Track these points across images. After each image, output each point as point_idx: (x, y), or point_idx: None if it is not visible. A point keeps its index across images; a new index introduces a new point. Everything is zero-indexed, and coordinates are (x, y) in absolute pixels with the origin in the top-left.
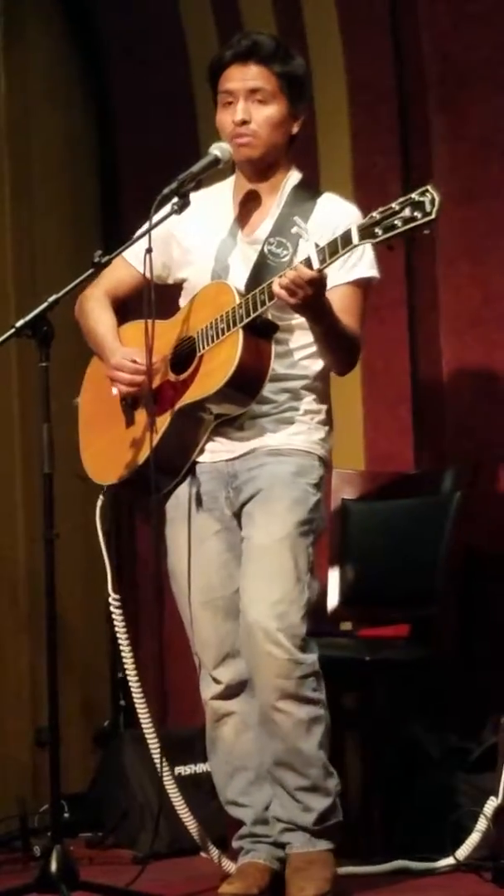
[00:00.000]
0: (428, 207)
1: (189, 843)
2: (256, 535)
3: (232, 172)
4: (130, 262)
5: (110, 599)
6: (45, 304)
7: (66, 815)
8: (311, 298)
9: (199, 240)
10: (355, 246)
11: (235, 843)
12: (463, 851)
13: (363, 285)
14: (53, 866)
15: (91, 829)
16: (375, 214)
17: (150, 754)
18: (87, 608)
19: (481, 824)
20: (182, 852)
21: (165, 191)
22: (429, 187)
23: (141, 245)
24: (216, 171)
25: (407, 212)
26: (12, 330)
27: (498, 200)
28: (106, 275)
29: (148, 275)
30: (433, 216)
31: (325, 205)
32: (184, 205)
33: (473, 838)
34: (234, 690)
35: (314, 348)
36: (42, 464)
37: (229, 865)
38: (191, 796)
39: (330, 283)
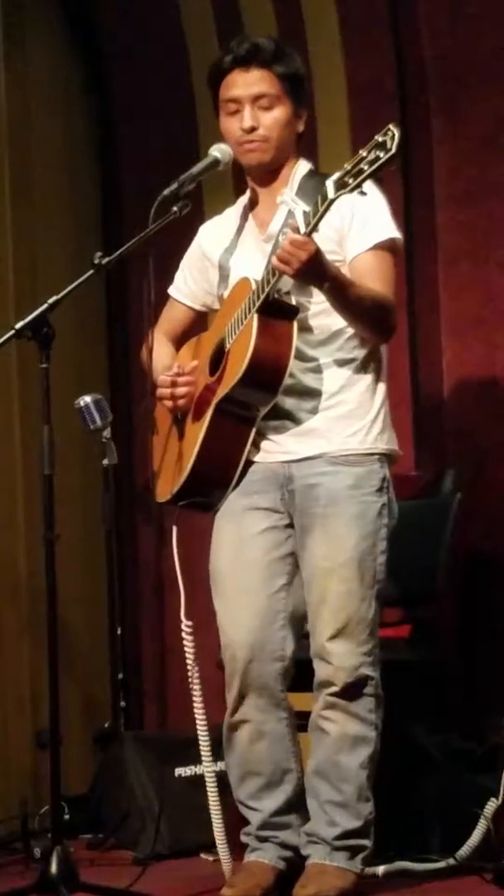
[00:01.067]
0: (389, 144)
1: (190, 844)
2: (319, 557)
3: (239, 186)
4: (177, 299)
5: (182, 626)
6: (45, 306)
7: (66, 816)
8: (307, 265)
9: (229, 255)
10: (333, 200)
11: (243, 838)
12: (464, 852)
13: (384, 247)
14: (54, 868)
15: (91, 830)
16: (347, 165)
17: (150, 755)
18: (87, 609)
19: (482, 825)
20: (182, 854)
21: (166, 192)
22: (390, 126)
23: (181, 280)
24: (216, 172)
25: (372, 154)
26: (13, 331)
27: (498, 201)
28: (162, 318)
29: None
30: (393, 151)
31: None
32: (185, 207)
33: (474, 839)
34: (255, 698)
35: (351, 330)
36: (42, 465)
37: (230, 868)
38: (191, 798)
39: (351, 254)
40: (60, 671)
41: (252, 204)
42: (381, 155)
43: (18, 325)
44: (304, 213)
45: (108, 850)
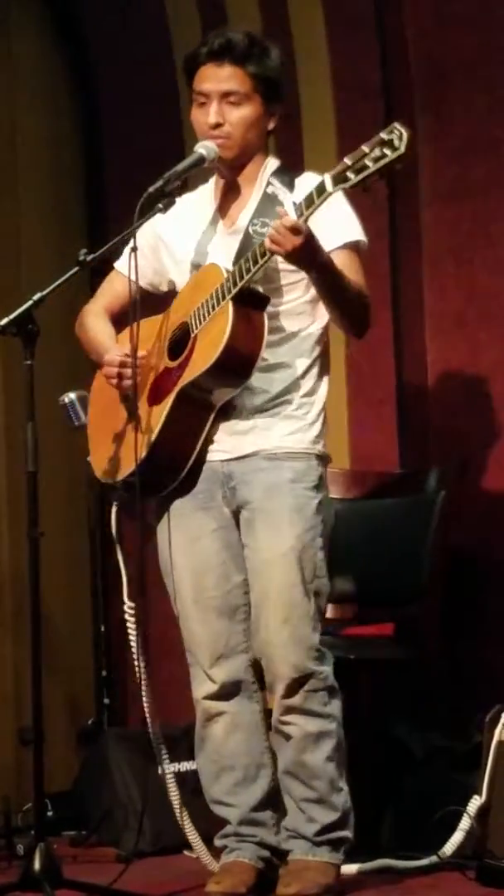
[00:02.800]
0: (397, 143)
1: (173, 841)
2: (260, 550)
3: (213, 174)
4: (124, 274)
5: (125, 607)
6: (29, 303)
7: (49, 813)
8: (301, 248)
9: (184, 242)
10: (330, 193)
11: (218, 842)
12: (447, 850)
13: (354, 248)
14: (37, 865)
15: (75, 827)
16: (347, 160)
17: (134, 752)
18: (71, 606)
19: (465, 823)
20: (166, 850)
21: (151, 189)
22: (396, 124)
23: (130, 257)
24: (201, 169)
25: (377, 151)
26: None
27: (482, 200)
28: (103, 290)
29: (133, 276)
30: (402, 150)
31: (306, 179)
32: (169, 203)
33: (457, 837)
34: (228, 690)
35: (306, 334)
36: (26, 462)
37: (213, 864)
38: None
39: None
40: (44, 668)
41: (217, 194)
42: (388, 153)
43: (3, 322)
44: (295, 203)
45: (92, 847)
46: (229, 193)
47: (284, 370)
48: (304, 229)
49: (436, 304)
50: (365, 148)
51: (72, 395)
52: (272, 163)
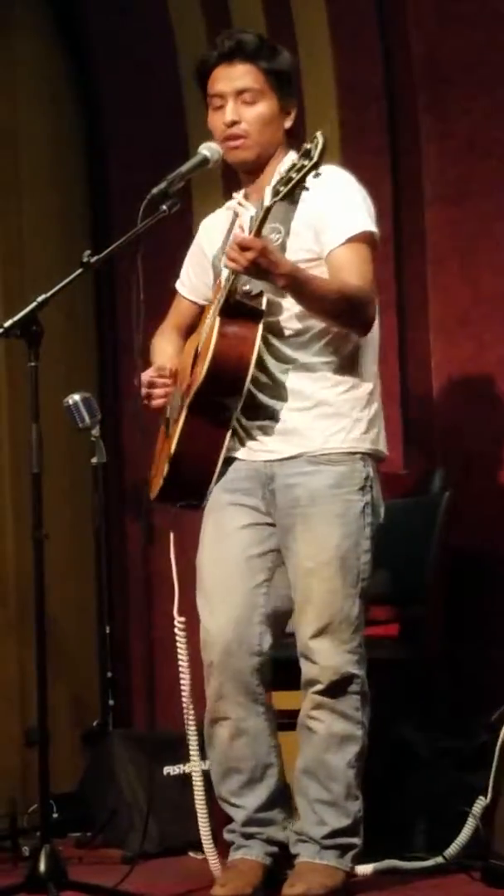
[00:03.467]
0: (312, 152)
1: (178, 842)
2: (301, 556)
3: (228, 185)
4: (183, 295)
5: (175, 622)
6: (34, 304)
7: (55, 814)
8: (255, 264)
9: (218, 254)
10: (269, 207)
11: (227, 835)
12: (452, 851)
13: (359, 240)
14: (42, 866)
15: (80, 828)
16: (282, 171)
17: (139, 753)
18: (76, 608)
19: (470, 824)
20: (171, 852)
21: (154, 191)
22: (317, 133)
23: (190, 276)
24: (205, 171)
25: (301, 161)
26: (1, 330)
27: (486, 200)
28: (171, 310)
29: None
30: (315, 159)
31: (325, 171)
32: (172, 205)
33: (462, 838)
34: (233, 689)
35: (332, 330)
36: (31, 463)
37: (219, 870)
38: (180, 796)
39: (326, 249)
40: (49, 669)
41: (245, 197)
42: (306, 163)
43: (7, 324)
44: (250, 217)
45: (97, 849)
46: (251, 196)
47: (319, 368)
48: (256, 245)
49: (440, 304)
50: (294, 159)
51: (76, 397)
52: (287, 161)
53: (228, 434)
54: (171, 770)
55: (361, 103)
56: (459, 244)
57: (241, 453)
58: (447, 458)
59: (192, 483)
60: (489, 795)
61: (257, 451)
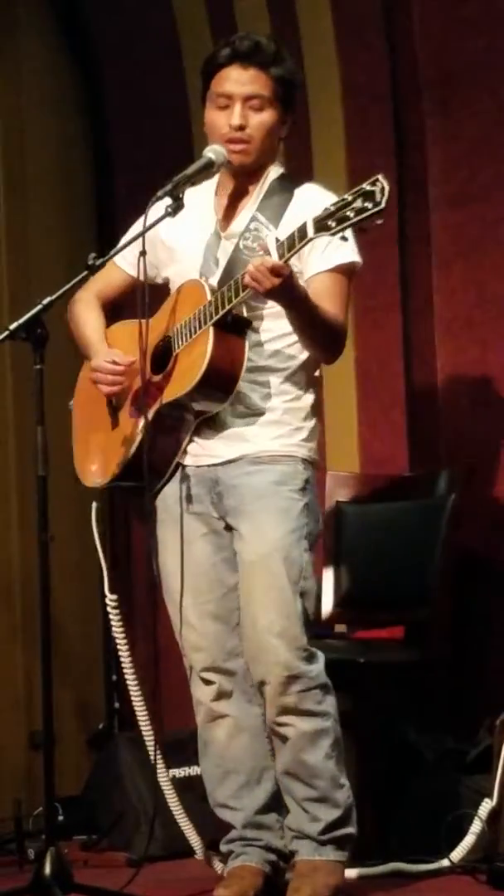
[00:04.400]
0: (378, 197)
1: (184, 845)
2: (245, 552)
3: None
4: (119, 265)
5: (107, 600)
6: (39, 307)
7: (60, 817)
8: (280, 287)
9: (183, 239)
10: (311, 239)
11: (224, 847)
12: (458, 853)
13: (344, 271)
14: (48, 869)
15: (85, 831)
16: (330, 206)
17: (145, 756)
18: (81, 610)
19: (476, 826)
20: (177, 855)
21: (159, 193)
22: (379, 177)
23: (129, 248)
24: (210, 173)
25: (359, 202)
26: (7, 332)
27: (491, 203)
28: (96, 278)
29: (142, 277)
30: (382, 205)
31: (302, 194)
32: (178, 207)
33: (468, 840)
34: (227, 693)
35: (289, 338)
36: (37, 466)
37: (221, 868)
38: (184, 798)
39: (309, 271)
40: (54, 672)
41: (221, 194)
42: (369, 206)
43: (12, 326)
44: (278, 241)
45: (102, 852)
46: (232, 197)
47: (269, 373)
48: (286, 270)
49: (445, 306)
50: (348, 197)
51: None
52: (275, 170)
53: (189, 435)
54: (176, 773)
55: (366, 105)
56: (464, 246)
57: (186, 460)
58: (452, 461)
59: (153, 469)
60: (495, 798)
61: (200, 455)
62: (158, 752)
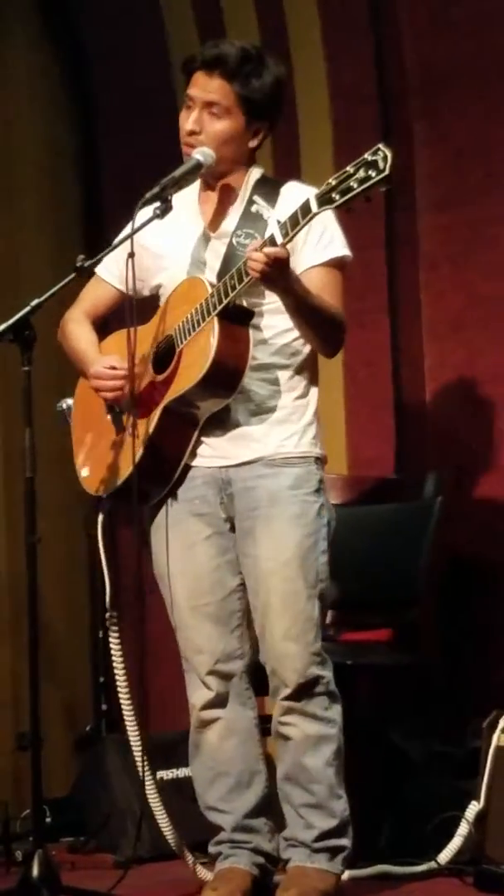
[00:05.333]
0: (381, 164)
1: (171, 847)
2: (261, 558)
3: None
4: (104, 279)
5: (107, 615)
6: (27, 309)
7: (47, 819)
8: (277, 273)
9: (170, 244)
10: (315, 214)
11: (212, 849)
12: (445, 856)
13: (337, 265)
14: (35, 871)
15: (73, 833)
16: (331, 181)
17: (132, 758)
18: (69, 612)
19: (463, 829)
20: (164, 857)
21: (147, 195)
22: (380, 146)
23: (112, 261)
24: (198, 175)
25: (361, 172)
26: None
27: (479, 205)
28: (83, 296)
29: (130, 281)
30: (387, 172)
31: (290, 190)
32: (166, 210)
33: (455, 843)
34: (224, 697)
35: (293, 333)
36: (24, 468)
37: (205, 874)
38: (173, 801)
39: (303, 265)
40: (42, 674)
41: (202, 198)
42: (373, 174)
43: (0, 328)
44: (280, 222)
45: (90, 854)
46: (213, 199)
47: (276, 370)
48: (286, 254)
49: (433, 309)
50: (350, 169)
51: (69, 401)
52: (255, 173)
53: (195, 436)
54: (164, 774)
55: (354, 108)
56: (452, 249)
57: (194, 461)
58: (440, 463)
59: (154, 480)
60: (482, 800)
61: (210, 456)
62: (141, 756)
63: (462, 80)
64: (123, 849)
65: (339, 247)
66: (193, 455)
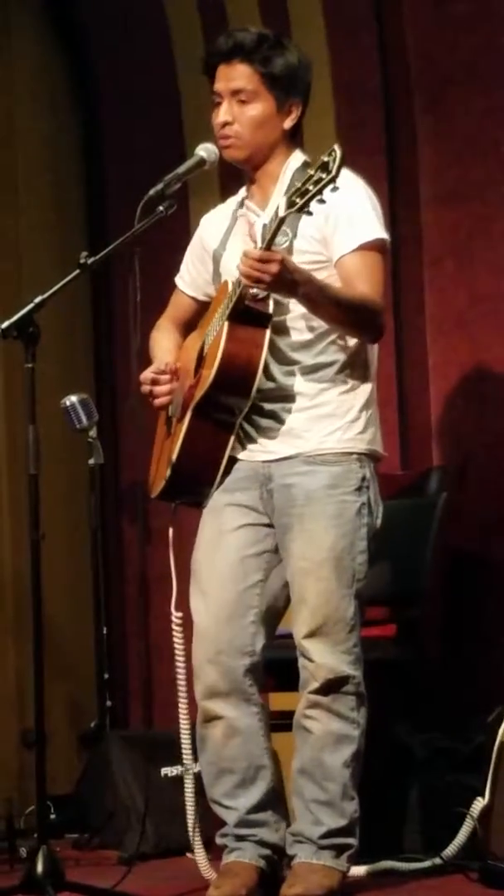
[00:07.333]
0: (330, 166)
1: (175, 843)
2: (297, 557)
3: (225, 185)
4: (180, 287)
5: (173, 617)
6: (30, 306)
7: (52, 816)
8: (276, 277)
9: (220, 251)
10: (283, 218)
11: (219, 840)
12: (449, 851)
13: (371, 248)
14: (39, 867)
15: (77, 830)
16: (297, 183)
17: (136, 755)
18: (73, 609)
19: (468, 824)
20: (168, 853)
21: (151, 192)
22: (334, 147)
23: (189, 271)
24: (202, 171)
25: (318, 174)
26: None
27: (482, 201)
28: (170, 303)
29: (138, 281)
30: (333, 173)
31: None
32: (169, 206)
33: (460, 838)
34: (222, 690)
35: (335, 331)
36: (28, 465)
37: (211, 873)
38: (177, 797)
39: (336, 254)
40: (46, 670)
41: (248, 196)
42: (324, 177)
43: (4, 325)
44: (264, 226)
45: (94, 850)
46: (256, 195)
47: (319, 370)
48: (275, 258)
49: (436, 305)
50: (310, 171)
51: (73, 398)
52: (296, 158)
53: (233, 437)
54: (168, 771)
55: (358, 104)
56: (456, 245)
57: (242, 454)
58: (444, 459)
59: (193, 484)
60: (486, 796)
61: (255, 451)
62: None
63: (466, 77)
64: (128, 845)
65: (368, 230)
66: (243, 448)
